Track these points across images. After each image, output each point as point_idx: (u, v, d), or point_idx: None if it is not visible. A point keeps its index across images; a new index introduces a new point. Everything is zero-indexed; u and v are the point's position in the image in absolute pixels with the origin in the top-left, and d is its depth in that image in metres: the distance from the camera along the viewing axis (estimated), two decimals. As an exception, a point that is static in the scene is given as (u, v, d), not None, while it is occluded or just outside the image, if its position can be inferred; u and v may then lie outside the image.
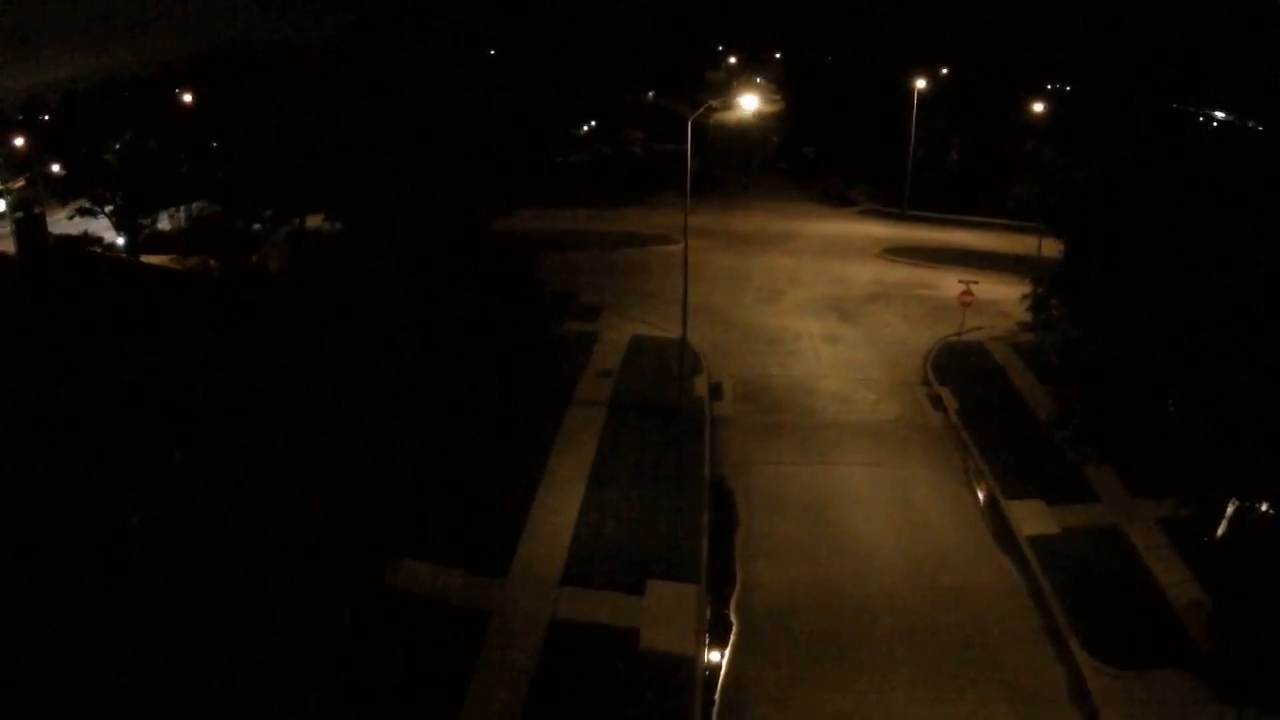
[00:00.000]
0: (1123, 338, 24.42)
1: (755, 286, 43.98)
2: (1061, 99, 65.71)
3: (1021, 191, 45.04)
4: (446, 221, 37.72)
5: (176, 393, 23.20)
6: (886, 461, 27.41)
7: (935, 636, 19.89)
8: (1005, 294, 39.44)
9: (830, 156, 74.67)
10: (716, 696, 18.28)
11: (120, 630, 18.25)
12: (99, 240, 42.34)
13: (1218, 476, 21.59)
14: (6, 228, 43.26)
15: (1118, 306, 24.69)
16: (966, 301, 36.04)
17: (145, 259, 39.05)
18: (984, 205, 55.29)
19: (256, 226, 43.37)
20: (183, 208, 48.62)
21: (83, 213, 47.36)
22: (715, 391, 31.96)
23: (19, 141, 59.48)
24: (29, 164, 59.19)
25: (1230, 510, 22.11)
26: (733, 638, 19.93)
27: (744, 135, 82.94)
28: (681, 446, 27.46)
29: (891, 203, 61.89)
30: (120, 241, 44.71)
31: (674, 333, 31.16)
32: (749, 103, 36.05)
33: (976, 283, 36.90)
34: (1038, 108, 57.74)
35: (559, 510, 23.86)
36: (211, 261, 34.62)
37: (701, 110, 32.05)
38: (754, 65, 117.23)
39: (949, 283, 40.81)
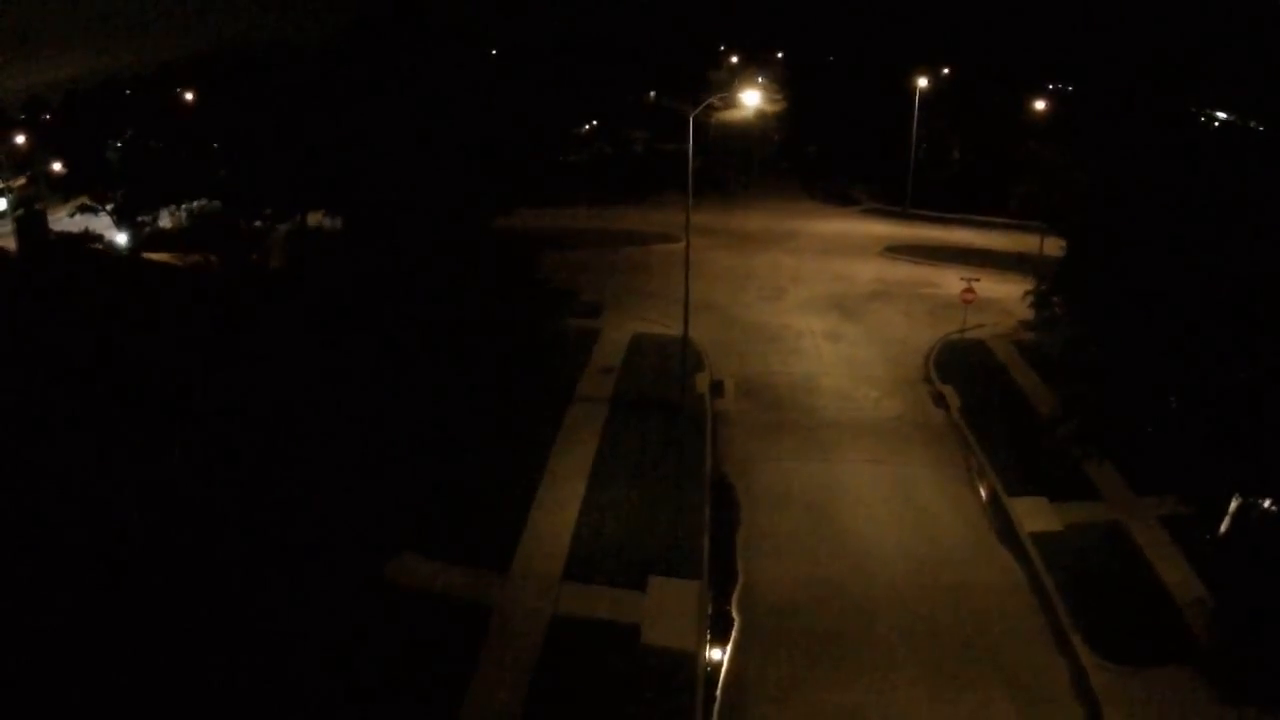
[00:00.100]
0: (1123, 336, 24.38)
1: (757, 285, 43.92)
2: (1063, 98, 65.62)
3: (1023, 191, 44.96)
4: (447, 220, 37.73)
5: (176, 390, 23.19)
6: (888, 459, 27.35)
7: (937, 633, 19.85)
8: (1007, 292, 39.41)
9: (832, 156, 74.60)
10: (718, 693, 18.22)
11: (120, 628, 18.21)
12: (99, 238, 42.36)
13: (1220, 473, 21.57)
14: (8, 226, 43.27)
15: (1118, 306, 24.66)
16: (968, 299, 35.99)
17: (146, 257, 39.03)
18: (986, 204, 55.21)
19: (257, 224, 43.34)
20: (183, 206, 48.55)
21: (84, 210, 47.39)
22: (717, 389, 31.91)
23: (20, 139, 59.51)
24: (30, 162, 59.26)
25: (1233, 507, 22.04)
26: (734, 634, 19.87)
27: (745, 135, 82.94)
28: (683, 443, 27.41)
29: (893, 202, 61.82)
30: (121, 239, 44.68)
31: (676, 331, 31.13)
32: (750, 99, 35.88)
33: (978, 280, 36.87)
34: (1039, 105, 57.65)
35: (560, 507, 23.82)
36: (212, 259, 34.58)
37: (703, 106, 32.01)
38: (756, 65, 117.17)
39: (951, 281, 40.77)
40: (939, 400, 31.43)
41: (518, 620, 19.53)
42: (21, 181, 59.43)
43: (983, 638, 19.74)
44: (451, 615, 19.66)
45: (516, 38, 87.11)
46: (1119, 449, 25.75)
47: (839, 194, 67.12)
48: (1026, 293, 32.96)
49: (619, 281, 43.41)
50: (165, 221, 48.59)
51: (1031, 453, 27.10)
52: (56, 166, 55.50)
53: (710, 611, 20.47)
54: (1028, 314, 36.87)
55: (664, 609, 19.98)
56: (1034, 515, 24.00)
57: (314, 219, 47.81)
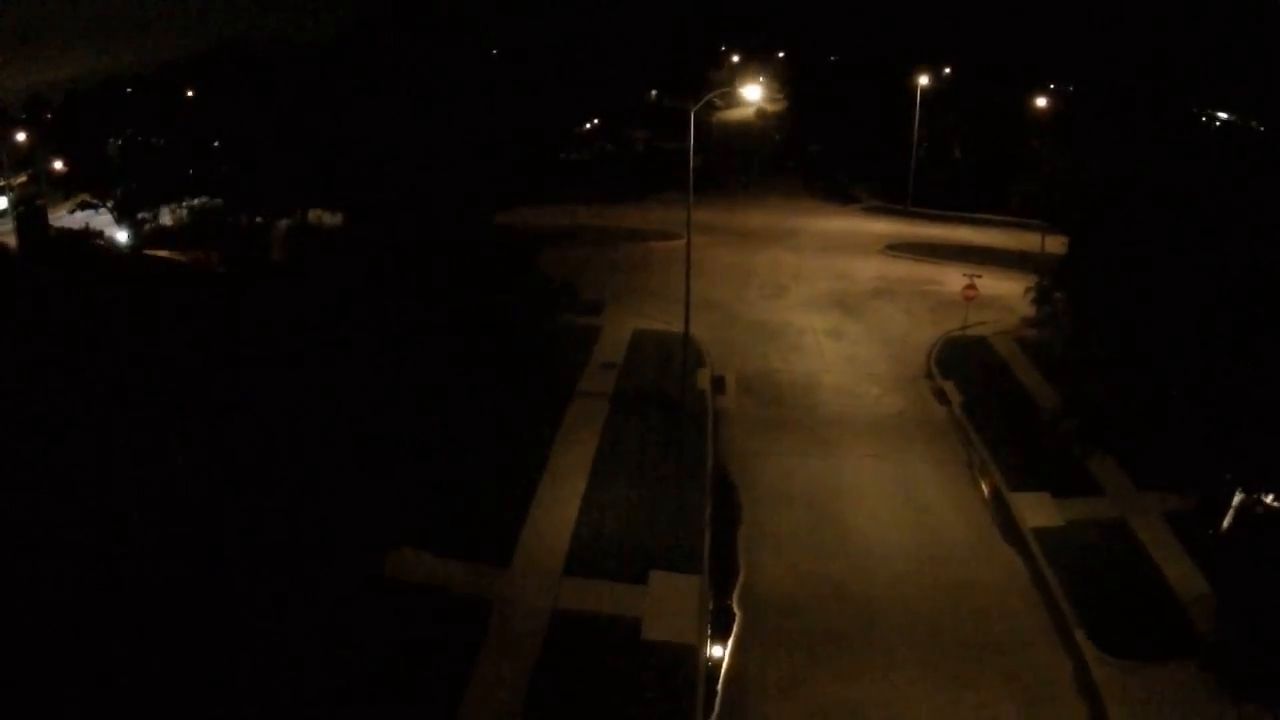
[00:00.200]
0: (1125, 332, 24.35)
1: (758, 282, 43.87)
2: (1063, 97, 65.56)
3: (1024, 189, 44.90)
4: (448, 216, 37.69)
5: (177, 386, 23.13)
6: (890, 454, 27.29)
7: (940, 628, 19.76)
8: (1009, 289, 39.32)
9: (833, 155, 74.57)
10: (719, 688, 18.16)
11: (119, 626, 18.10)
12: (100, 234, 42.32)
13: (1222, 469, 21.52)
14: (8, 225, 43.26)
15: (1118, 306, 24.65)
16: (970, 295, 35.94)
17: (148, 253, 39.03)
18: (987, 203, 55.16)
19: (258, 219, 43.32)
20: (184, 203, 48.53)
21: (84, 207, 47.38)
22: (718, 385, 31.86)
23: (21, 137, 59.50)
24: (31, 160, 59.25)
25: (1235, 503, 21.98)
26: (735, 629, 19.81)
27: (746, 134, 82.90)
28: (684, 439, 27.36)
29: (894, 200, 61.78)
30: (122, 236, 44.67)
31: (677, 327, 31.07)
32: (751, 93, 35.83)
33: (980, 276, 36.82)
34: (1040, 103, 57.61)
35: (561, 501, 23.76)
36: (213, 255, 34.57)
37: (706, 100, 31.96)
38: (757, 64, 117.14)
39: (952, 278, 40.71)
40: (941, 396, 31.38)
41: (518, 615, 19.47)
42: (22, 179, 59.42)
43: (986, 632, 19.67)
44: (452, 610, 19.58)
45: (518, 37, 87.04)
46: (1121, 445, 25.71)
47: (840, 192, 67.08)
48: (1028, 289, 32.88)
49: (620, 279, 43.36)
50: (166, 219, 48.56)
51: (1033, 448, 27.00)
52: (58, 165, 55.52)
53: (712, 606, 20.41)
54: (1029, 311, 36.77)
55: (665, 604, 19.91)
56: (1036, 511, 23.92)
57: (314, 214, 47.75)
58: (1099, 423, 25.08)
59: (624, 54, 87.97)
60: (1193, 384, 21.57)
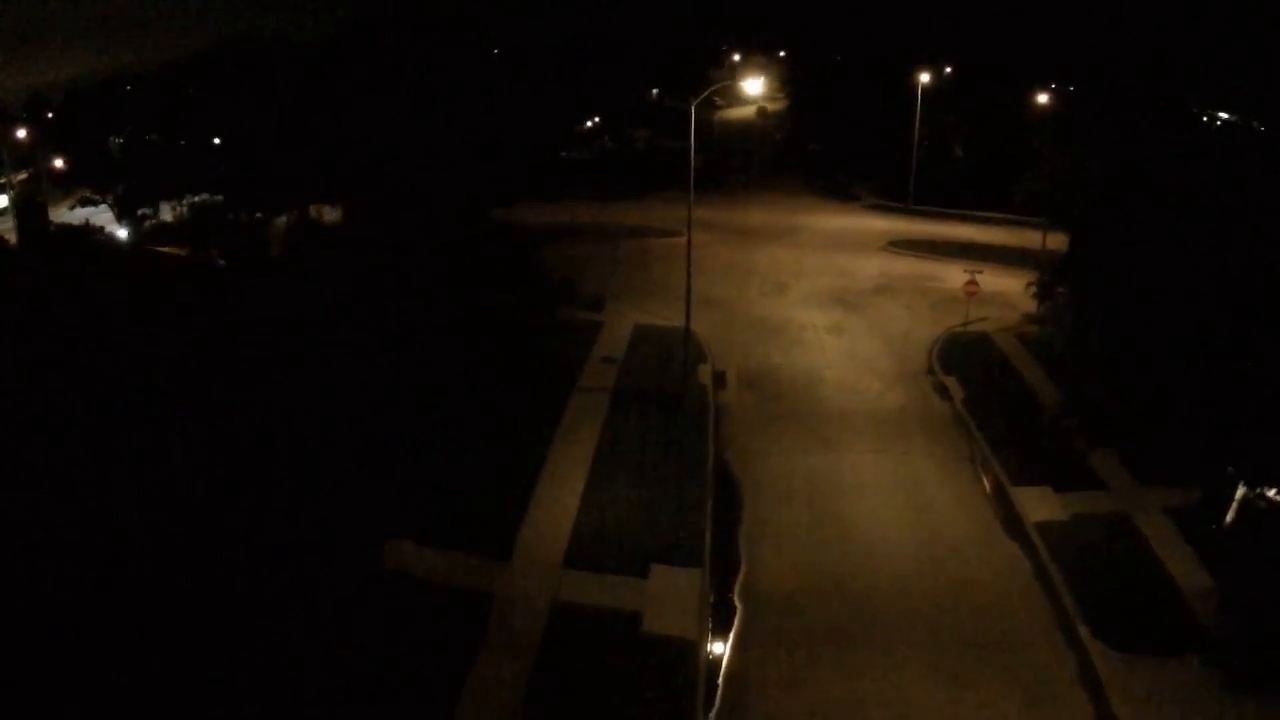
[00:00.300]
0: (1126, 328, 24.33)
1: (759, 279, 43.81)
2: (1064, 97, 65.54)
3: (1026, 188, 44.84)
4: (449, 213, 37.66)
5: (177, 384, 23.06)
6: (892, 450, 27.21)
7: (943, 622, 19.64)
8: (1010, 286, 39.30)
9: (834, 154, 74.56)
10: (720, 682, 18.05)
11: (119, 625, 18.00)
12: (100, 230, 42.28)
13: (1225, 463, 21.45)
14: (9, 223, 43.18)
15: (1118, 306, 24.64)
16: (972, 291, 35.87)
17: (148, 249, 38.95)
18: (988, 201, 55.11)
19: (258, 215, 43.29)
20: (185, 199, 48.52)
21: (84, 203, 47.35)
22: (719, 380, 31.81)
23: (21, 134, 59.43)
24: (32, 159, 59.19)
25: (1238, 497, 21.91)
26: (736, 623, 19.71)
27: (746, 133, 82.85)
28: (685, 433, 27.29)
29: (895, 198, 61.73)
30: (122, 233, 44.64)
31: (678, 323, 30.98)
32: (752, 86, 35.80)
33: (981, 272, 36.74)
34: (1042, 99, 57.54)
35: (562, 494, 23.69)
36: (213, 251, 34.52)
37: (707, 94, 31.93)
38: (757, 63, 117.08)
39: (953, 275, 40.62)
40: (942, 392, 31.30)
41: (518, 607, 19.38)
42: (23, 176, 59.37)
43: (987, 628, 19.54)
44: (452, 603, 19.50)
45: (518, 37, 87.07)
46: (1123, 440, 25.69)
47: (841, 190, 67.05)
48: (1029, 284, 32.83)
49: (621, 275, 43.30)
50: (166, 215, 48.54)
51: (1035, 443, 26.92)
52: (58, 163, 55.46)
53: (713, 599, 20.32)
54: (1031, 307, 36.80)
55: (666, 597, 19.82)
56: (1039, 505, 23.83)
57: (314, 208, 47.72)
58: (1101, 418, 25.06)
59: (624, 54, 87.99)
60: (1194, 380, 21.54)
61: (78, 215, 46.71)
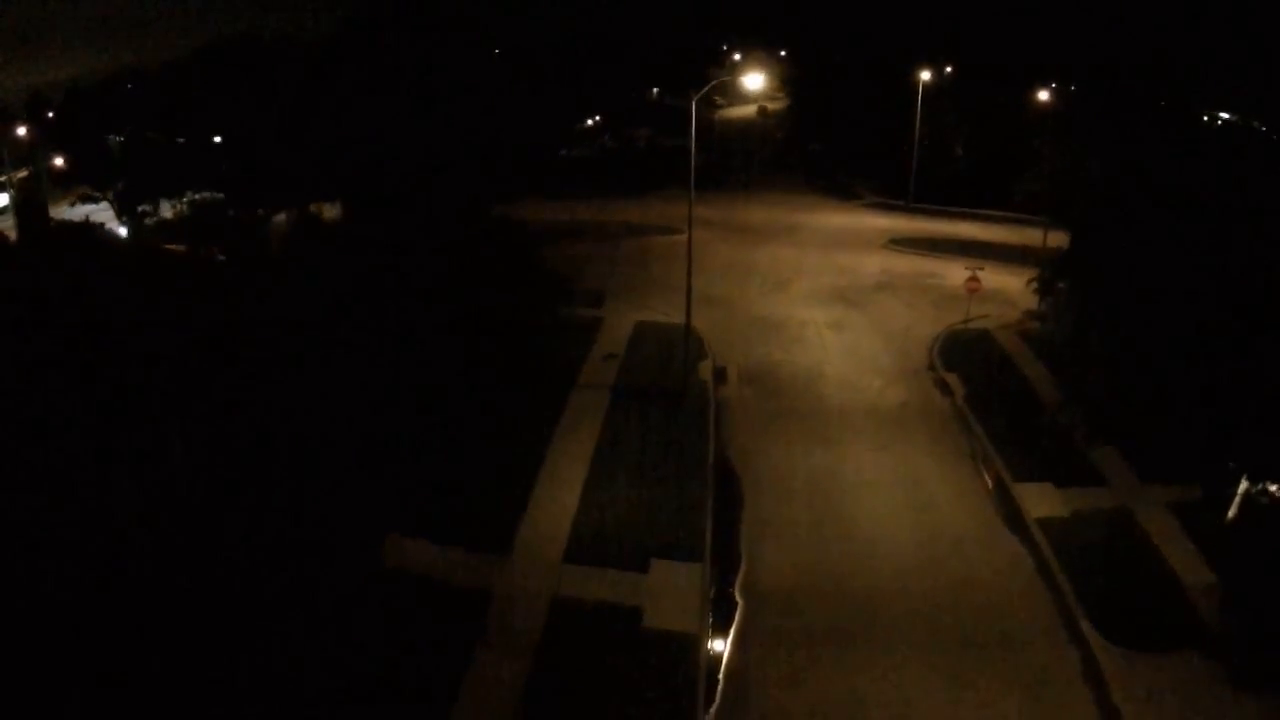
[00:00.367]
0: (1127, 325, 24.28)
1: (761, 277, 43.77)
2: (1064, 96, 65.52)
3: (1026, 188, 44.83)
4: (449, 210, 37.62)
5: (177, 380, 23.02)
6: (893, 446, 27.16)
7: (944, 620, 19.57)
8: (1011, 284, 39.23)
9: (834, 153, 74.55)
10: (720, 678, 17.99)
11: (119, 625, 17.94)
12: (100, 227, 42.24)
13: (1226, 459, 21.39)
14: (9, 221, 43.16)
15: (1118, 305, 24.60)
16: (973, 288, 35.82)
17: (148, 246, 38.94)
18: (989, 199, 55.08)
19: (259, 212, 43.26)
20: (185, 197, 48.49)
21: (84, 200, 47.34)
22: (720, 377, 31.75)
23: (21, 131, 59.39)
24: (32, 157, 59.13)
25: (1241, 490, 21.86)
26: (737, 618, 19.65)
27: (747, 132, 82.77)
28: (686, 429, 27.24)
29: (896, 196, 61.70)
30: (122, 230, 44.63)
31: (679, 320, 30.95)
32: (753, 81, 35.77)
33: (983, 269, 36.69)
34: (1042, 99, 57.53)
35: (562, 490, 23.64)
36: (213, 248, 34.50)
37: (707, 89, 31.89)
38: (757, 63, 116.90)
39: (954, 273, 40.55)
40: (943, 388, 31.26)
41: (518, 603, 19.32)
42: (23, 174, 59.32)
43: (989, 624, 19.47)
44: (452, 599, 19.43)
45: (518, 37, 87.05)
46: (1124, 436, 25.61)
47: (841, 189, 67.03)
48: (1030, 280, 32.77)
49: (622, 272, 43.28)
50: (166, 212, 48.50)
51: (1036, 440, 26.87)
52: (58, 161, 55.41)
53: (713, 594, 20.26)
54: (1032, 305, 36.74)
55: (666, 591, 19.76)
56: (1040, 501, 23.77)
57: (314, 205, 47.67)
58: (1102, 414, 24.98)
59: (624, 53, 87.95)
60: (1194, 377, 21.48)
61: (78, 212, 46.67)
